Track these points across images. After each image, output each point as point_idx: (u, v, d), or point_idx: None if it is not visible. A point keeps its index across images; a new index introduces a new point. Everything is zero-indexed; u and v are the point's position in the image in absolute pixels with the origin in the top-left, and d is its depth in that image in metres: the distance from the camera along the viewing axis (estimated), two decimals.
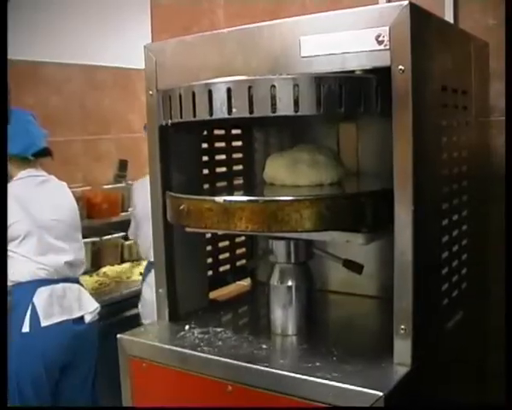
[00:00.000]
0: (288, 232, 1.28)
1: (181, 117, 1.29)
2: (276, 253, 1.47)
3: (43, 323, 2.67)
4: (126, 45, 3.51)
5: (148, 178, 3.25)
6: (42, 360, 2.68)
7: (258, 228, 1.23)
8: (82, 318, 2.84)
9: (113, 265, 3.90)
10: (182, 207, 1.32)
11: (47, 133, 2.95)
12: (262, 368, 1.26)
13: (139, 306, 3.33)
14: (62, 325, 2.74)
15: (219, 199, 1.25)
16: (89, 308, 2.88)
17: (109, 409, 2.91)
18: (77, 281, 2.93)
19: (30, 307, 2.66)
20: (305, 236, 1.36)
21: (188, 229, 1.45)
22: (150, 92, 1.48)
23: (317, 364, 1.26)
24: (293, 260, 1.47)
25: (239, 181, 1.82)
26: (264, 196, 1.33)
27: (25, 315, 2.66)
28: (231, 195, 1.41)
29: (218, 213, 1.25)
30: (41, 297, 2.69)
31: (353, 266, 1.50)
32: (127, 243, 3.94)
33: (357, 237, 1.29)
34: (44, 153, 2.90)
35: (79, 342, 2.81)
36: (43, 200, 2.82)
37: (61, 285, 2.79)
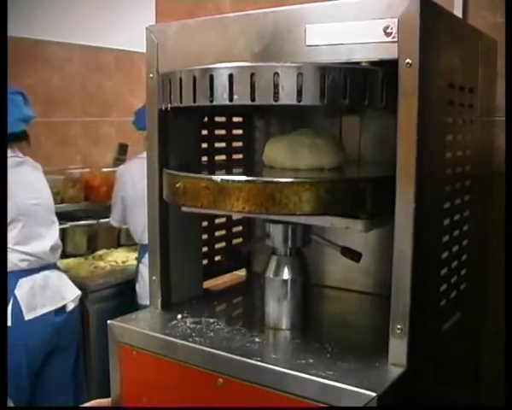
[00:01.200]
0: (286, 215, 1.25)
1: (181, 102, 1.25)
2: (273, 237, 1.44)
3: (27, 316, 2.60)
4: (130, 28, 3.47)
5: (134, 161, 3.18)
6: (24, 354, 2.61)
7: (255, 209, 1.19)
8: (63, 307, 2.78)
9: (109, 248, 3.88)
10: (178, 185, 1.29)
11: (31, 116, 2.79)
12: (254, 362, 1.23)
13: (136, 286, 3.31)
14: (45, 317, 2.68)
15: (216, 178, 1.22)
16: (70, 296, 2.81)
17: (100, 409, 2.86)
18: (56, 266, 2.86)
19: (12, 301, 2.59)
20: (303, 220, 1.33)
21: (183, 209, 1.43)
22: (151, 75, 1.45)
23: (311, 360, 1.23)
24: (290, 245, 1.43)
25: (238, 170, 1.80)
26: (263, 177, 1.29)
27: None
28: (230, 175, 1.38)
29: (214, 192, 1.22)
30: (23, 289, 2.62)
31: (351, 254, 1.46)
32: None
33: (356, 223, 1.25)
34: (18, 137, 2.76)
35: (60, 332, 2.74)
36: (21, 183, 2.72)
37: (42, 274, 2.72)
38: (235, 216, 1.82)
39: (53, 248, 2.79)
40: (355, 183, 1.23)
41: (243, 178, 1.23)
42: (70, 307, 2.80)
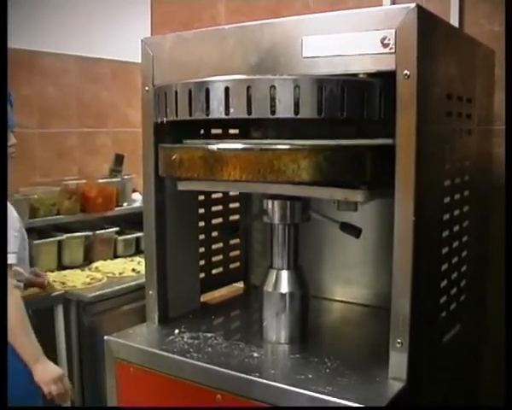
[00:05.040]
0: (285, 183, 1.23)
1: (176, 115, 1.24)
2: (271, 213, 1.41)
3: None
4: (126, 38, 3.46)
5: None
6: None
7: (252, 178, 1.16)
8: None
9: (105, 260, 3.85)
10: (174, 157, 1.26)
11: None
12: (253, 378, 1.22)
13: None
14: None
15: (213, 147, 1.19)
16: None
17: (103, 409, 2.81)
18: None
19: None
20: (301, 193, 1.29)
21: (180, 187, 1.41)
22: (146, 88, 1.43)
23: (310, 376, 1.22)
24: (288, 222, 1.41)
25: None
26: (260, 145, 1.23)
27: None
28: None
29: (211, 161, 1.19)
30: None
31: (351, 230, 1.44)
32: (120, 238, 3.89)
33: (356, 194, 1.22)
34: None
35: None
36: None
37: None
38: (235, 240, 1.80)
39: None
40: (354, 150, 1.18)
41: (240, 146, 1.19)
42: None
